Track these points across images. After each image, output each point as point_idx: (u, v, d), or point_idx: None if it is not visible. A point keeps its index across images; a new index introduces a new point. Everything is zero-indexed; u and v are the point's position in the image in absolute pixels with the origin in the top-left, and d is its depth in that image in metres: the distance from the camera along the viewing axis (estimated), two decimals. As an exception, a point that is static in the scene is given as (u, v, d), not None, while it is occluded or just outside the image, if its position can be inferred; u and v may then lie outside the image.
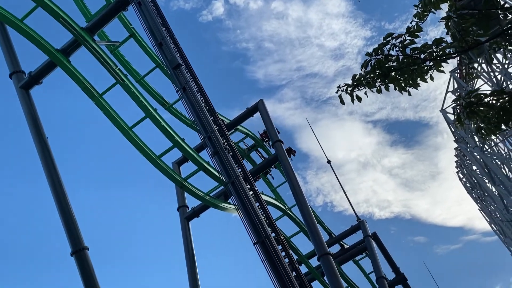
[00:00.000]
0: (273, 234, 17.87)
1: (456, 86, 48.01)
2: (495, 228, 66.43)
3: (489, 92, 5.55)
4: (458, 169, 65.57)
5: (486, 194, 56.60)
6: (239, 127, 26.89)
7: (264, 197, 23.07)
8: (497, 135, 44.61)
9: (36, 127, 16.50)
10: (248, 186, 18.94)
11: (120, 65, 20.14)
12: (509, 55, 37.69)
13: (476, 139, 47.91)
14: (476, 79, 46.74)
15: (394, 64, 4.93)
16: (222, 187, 22.71)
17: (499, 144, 48.72)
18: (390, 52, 4.90)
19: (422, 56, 4.88)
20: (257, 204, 18.72)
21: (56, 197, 15.09)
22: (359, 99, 5.18)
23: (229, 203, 22.80)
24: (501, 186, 45.94)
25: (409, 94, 5.92)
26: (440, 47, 4.92)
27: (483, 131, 5.69)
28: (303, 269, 27.34)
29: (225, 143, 19.57)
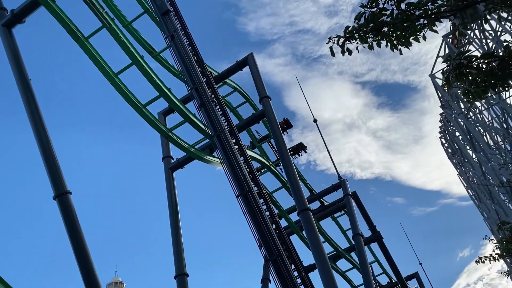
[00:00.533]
0: (255, 188, 18.18)
1: (447, 51, 47.78)
2: (471, 194, 68.59)
3: (480, 55, 5.52)
4: (442, 134, 66.63)
5: (466, 160, 57.93)
6: (227, 80, 26.54)
7: (248, 152, 23.22)
8: (483, 103, 45.04)
9: (18, 67, 16.00)
10: (234, 140, 19.01)
11: (108, 8, 19.42)
12: (502, 22, 37.37)
13: (462, 106, 48.38)
14: (468, 45, 46.52)
15: (388, 19, 4.82)
16: (207, 140, 22.73)
17: (483, 112, 49.32)
18: (384, 6, 4.78)
19: (417, 13, 4.78)
20: (242, 158, 18.87)
21: (38, 139, 14.89)
22: (350, 52, 5.09)
23: (214, 156, 22.89)
24: (481, 153, 46.95)
25: (401, 53, 5.86)
26: (435, 5, 4.81)
27: (470, 95, 5.71)
28: (283, 223, 28.02)
29: (212, 96, 19.39)
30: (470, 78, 5.18)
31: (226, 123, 18.90)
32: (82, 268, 13.49)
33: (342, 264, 36.14)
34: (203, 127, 20.12)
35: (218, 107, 19.29)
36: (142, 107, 19.26)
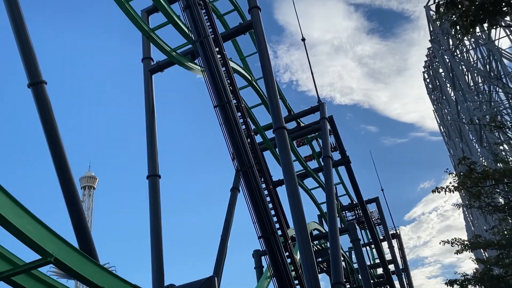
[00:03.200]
0: (234, 101, 18.20)
1: (447, -17, 46.06)
2: (443, 130, 70.78)
3: (475, -13, 5.39)
4: (425, 69, 66.72)
5: (444, 97, 58.86)
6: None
7: (231, 64, 22.84)
8: (471, 41, 44.69)
9: None
10: (217, 49, 18.56)
11: None
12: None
13: (451, 43, 47.95)
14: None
15: None
16: (190, 45, 22.11)
17: (470, 51, 49.15)
18: None
19: None
20: (224, 69, 18.60)
21: (14, 26, 14.16)
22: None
23: (195, 64, 22.47)
24: (460, 92, 47.65)
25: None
26: None
27: (458, 28, 5.66)
28: (258, 139, 28.60)
29: (200, -1, 18.50)
30: (462, 9, 5.11)
31: (211, 30, 18.32)
32: (55, 160, 13.67)
33: (309, 182, 37.91)
34: (186, 31, 19.46)
35: (204, 11, 18.53)
36: (125, 2, 18.31)
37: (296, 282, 16.14)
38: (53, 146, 13.59)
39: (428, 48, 60.04)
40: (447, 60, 48.78)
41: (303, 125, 34.54)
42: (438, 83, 60.29)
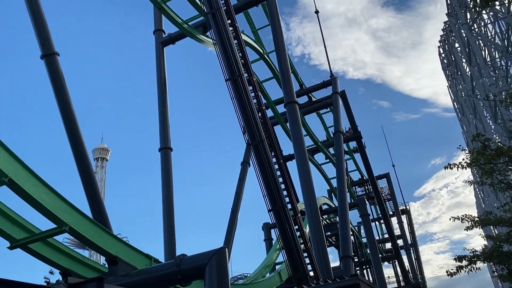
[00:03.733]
0: (246, 75, 18.07)
1: (467, -47, 44.47)
2: (457, 106, 69.72)
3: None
4: (441, 43, 65.23)
5: (459, 73, 57.71)
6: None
7: (243, 37, 22.58)
8: (490, 15, 43.41)
9: None
10: (229, 22, 18.31)
11: None
12: None
13: (468, 17, 46.64)
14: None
15: None
16: (202, 17, 21.85)
17: (488, 25, 47.79)
18: None
19: None
20: (235, 42, 18.40)
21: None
22: None
23: (207, 36, 22.26)
24: (476, 67, 46.63)
25: None
26: None
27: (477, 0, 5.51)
28: (269, 113, 28.52)
29: (212, -31, 18.13)
30: (481, -19, 4.95)
31: (223, 1, 18.03)
32: (68, 131, 13.85)
33: (320, 157, 37.90)
34: (198, 2, 19.22)
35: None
36: (136, -27, 18.03)
37: (305, 254, 16.37)
38: (66, 118, 13.75)
39: (445, 22, 58.50)
40: (464, 34, 47.55)
41: (314, 99, 34.30)
42: (453, 58, 58.99)
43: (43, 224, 8.77)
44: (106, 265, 9.94)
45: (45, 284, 8.86)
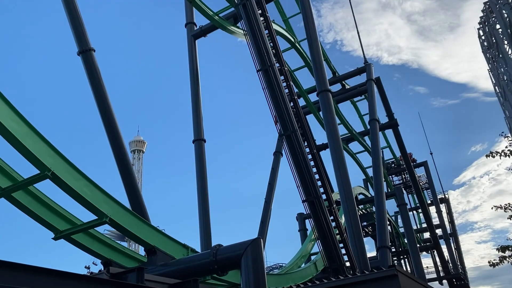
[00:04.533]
0: (277, 64, 17.96)
1: None
2: (498, 90, 66.82)
3: None
4: (480, 25, 62.51)
5: (500, 55, 55.21)
6: None
7: (274, 26, 22.41)
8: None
9: None
10: (260, 12, 18.21)
11: None
12: None
13: (510, -5, 44.44)
14: None
15: None
16: (232, 9, 21.83)
17: (532, 4, 45.40)
18: None
19: None
20: (266, 32, 18.29)
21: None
22: None
23: (238, 27, 22.24)
24: (519, 49, 44.51)
25: None
26: None
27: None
28: (301, 102, 28.30)
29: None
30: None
31: (253, -8, 17.91)
32: (106, 124, 14.21)
33: (354, 146, 37.34)
34: (229, -6, 19.16)
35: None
36: (167, -33, 18.16)
37: (341, 245, 16.24)
38: (104, 112, 14.11)
39: (485, 3, 55.97)
40: (505, 15, 45.37)
41: (348, 87, 33.74)
42: (494, 40, 56.44)
43: (85, 215, 9.10)
44: (145, 255, 10.21)
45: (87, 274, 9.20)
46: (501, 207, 16.25)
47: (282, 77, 17.99)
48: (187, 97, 21.85)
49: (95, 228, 9.67)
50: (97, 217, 8.76)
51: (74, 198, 8.35)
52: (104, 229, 37.70)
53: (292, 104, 18.08)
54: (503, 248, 15.42)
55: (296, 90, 27.55)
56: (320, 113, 27.16)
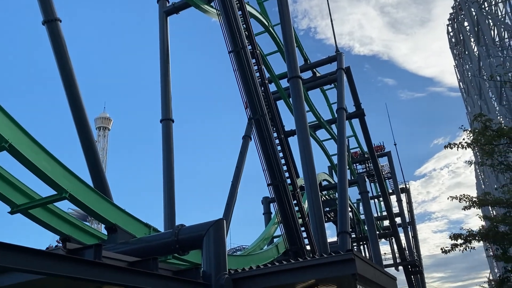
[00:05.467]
0: (249, 47, 17.85)
1: None
2: (462, 86, 69.02)
3: None
4: (450, 22, 64.05)
5: (466, 52, 56.88)
6: None
7: (248, 8, 22.20)
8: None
9: None
10: (234, -8, 17.96)
11: None
12: None
13: (479, -6, 45.61)
14: None
15: None
16: (206, -13, 21.43)
17: (499, 4, 46.82)
18: None
19: None
20: (240, 13, 18.10)
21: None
22: None
23: (211, 6, 21.89)
24: (484, 47, 45.93)
25: None
26: None
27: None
28: (272, 88, 28.31)
29: None
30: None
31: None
32: (70, 98, 13.80)
33: (322, 134, 37.85)
34: (203, -28, 18.78)
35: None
36: None
37: (303, 229, 16.56)
38: (68, 85, 13.68)
39: (455, 0, 57.31)
40: (474, 13, 46.64)
41: (319, 75, 33.97)
42: (462, 37, 58.03)
43: (45, 191, 8.86)
44: (106, 234, 10.08)
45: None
46: (456, 198, 16.95)
47: (254, 60, 17.91)
48: (157, 75, 21.44)
49: (56, 205, 9.46)
50: (56, 193, 8.56)
51: (32, 171, 8.11)
52: (68, 208, 36.88)
53: (262, 88, 18.08)
54: (455, 236, 16.14)
55: (267, 75, 27.53)
56: (290, 99, 27.33)
